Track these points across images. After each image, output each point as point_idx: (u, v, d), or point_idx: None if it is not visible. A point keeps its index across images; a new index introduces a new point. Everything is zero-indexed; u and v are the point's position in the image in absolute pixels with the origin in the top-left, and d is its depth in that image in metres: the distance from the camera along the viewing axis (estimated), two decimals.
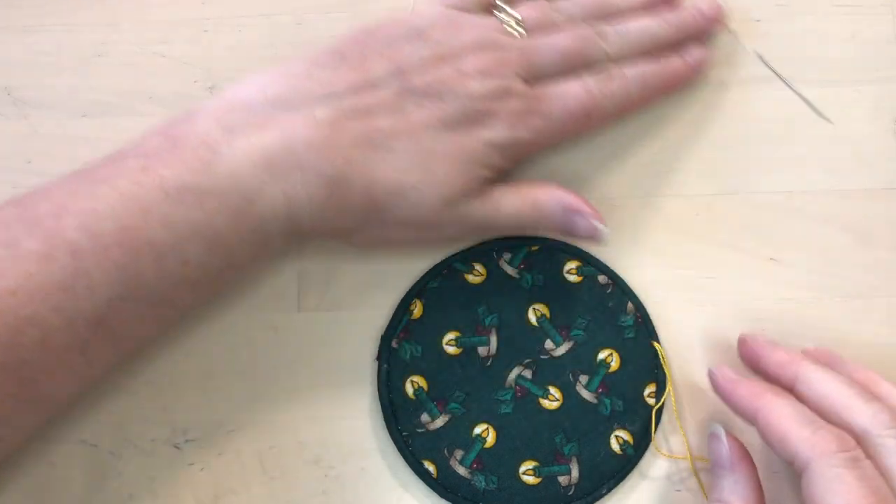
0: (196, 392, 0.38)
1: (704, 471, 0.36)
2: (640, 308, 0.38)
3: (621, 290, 0.38)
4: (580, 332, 0.38)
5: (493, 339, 0.38)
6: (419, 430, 0.37)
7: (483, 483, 0.37)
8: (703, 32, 0.40)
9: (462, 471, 0.37)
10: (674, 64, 0.39)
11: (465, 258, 0.39)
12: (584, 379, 0.37)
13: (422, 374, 0.37)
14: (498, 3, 0.38)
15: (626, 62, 0.38)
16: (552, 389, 0.37)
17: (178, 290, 0.33)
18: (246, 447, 0.38)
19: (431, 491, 0.37)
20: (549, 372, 0.37)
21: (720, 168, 0.40)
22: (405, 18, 0.37)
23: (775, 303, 0.39)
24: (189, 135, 0.33)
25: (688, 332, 0.38)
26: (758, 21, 0.42)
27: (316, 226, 0.34)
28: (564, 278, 0.38)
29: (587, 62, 0.37)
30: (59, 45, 0.43)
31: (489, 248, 0.39)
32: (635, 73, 0.38)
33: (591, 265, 0.38)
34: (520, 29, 0.37)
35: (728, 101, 0.41)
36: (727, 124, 0.41)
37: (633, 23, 0.39)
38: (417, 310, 0.38)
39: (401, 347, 0.38)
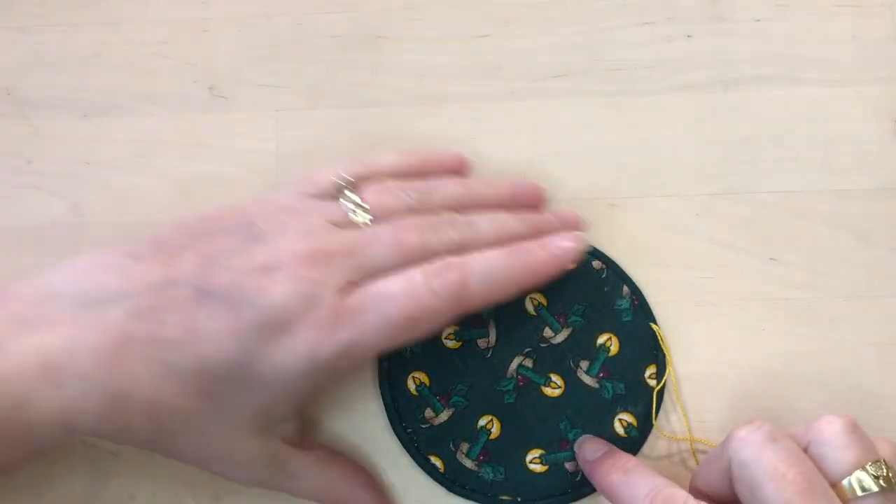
0: None
1: (703, 452, 0.36)
2: (635, 291, 0.38)
3: (616, 274, 0.38)
4: (578, 318, 0.38)
5: (492, 331, 0.38)
6: (423, 426, 0.37)
7: (490, 474, 0.37)
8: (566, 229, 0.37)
9: (469, 463, 0.37)
10: (532, 252, 0.35)
11: None
12: (584, 364, 0.37)
13: (423, 369, 0.37)
14: (344, 188, 0.35)
15: (471, 251, 0.34)
16: (554, 377, 0.37)
17: None
18: None
19: (435, 489, 0.37)
20: (550, 359, 0.37)
21: (720, 168, 0.40)
22: (242, 206, 0.34)
23: (775, 303, 0.39)
24: None
25: (688, 332, 0.39)
26: (758, 21, 0.42)
27: (100, 437, 0.31)
28: None
29: (427, 254, 0.34)
30: (60, 45, 0.43)
31: None
32: (479, 259, 0.34)
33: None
34: (366, 217, 0.34)
35: (728, 101, 0.41)
36: (727, 124, 0.41)
37: (488, 214, 0.36)
38: None
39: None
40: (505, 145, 0.41)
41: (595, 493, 0.36)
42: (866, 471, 0.30)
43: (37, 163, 0.41)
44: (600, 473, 0.34)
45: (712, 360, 0.38)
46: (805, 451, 0.31)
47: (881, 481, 0.29)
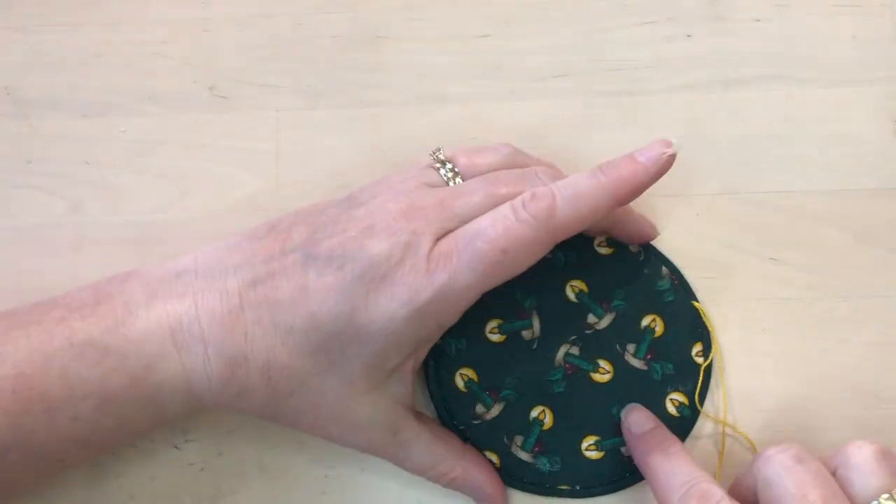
0: None
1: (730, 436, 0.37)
2: (674, 271, 0.38)
3: (654, 256, 0.38)
4: (621, 302, 0.38)
5: (536, 321, 0.38)
6: (476, 422, 0.37)
7: (547, 465, 0.37)
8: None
9: (524, 456, 0.37)
10: (621, 165, 0.34)
11: None
12: (631, 347, 0.37)
13: (470, 365, 0.37)
14: (440, 158, 0.36)
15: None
16: (601, 362, 0.37)
17: (66, 445, 0.32)
18: (246, 447, 0.38)
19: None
20: (596, 345, 0.37)
21: (720, 168, 0.40)
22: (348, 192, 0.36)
23: (775, 303, 0.39)
24: (115, 294, 0.33)
25: None
26: (758, 21, 0.42)
27: (220, 405, 0.33)
28: (596, 252, 0.38)
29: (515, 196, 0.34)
30: (59, 45, 0.43)
31: None
32: (566, 183, 0.34)
33: None
34: (458, 178, 0.36)
35: (728, 100, 0.41)
36: (727, 124, 0.41)
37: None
38: None
39: (445, 343, 0.37)
40: None
41: None
42: (893, 498, 0.29)
43: (36, 163, 0.41)
44: (641, 449, 0.34)
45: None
46: (833, 474, 0.31)
47: None
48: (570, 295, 0.38)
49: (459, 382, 0.37)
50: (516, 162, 0.37)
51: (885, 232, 0.39)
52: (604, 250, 0.38)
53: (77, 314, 0.32)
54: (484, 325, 0.38)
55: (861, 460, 0.30)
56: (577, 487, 0.37)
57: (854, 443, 0.31)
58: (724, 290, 0.39)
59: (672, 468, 0.33)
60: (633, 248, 0.38)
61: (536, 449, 0.37)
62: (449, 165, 0.36)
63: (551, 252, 0.35)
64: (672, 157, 0.34)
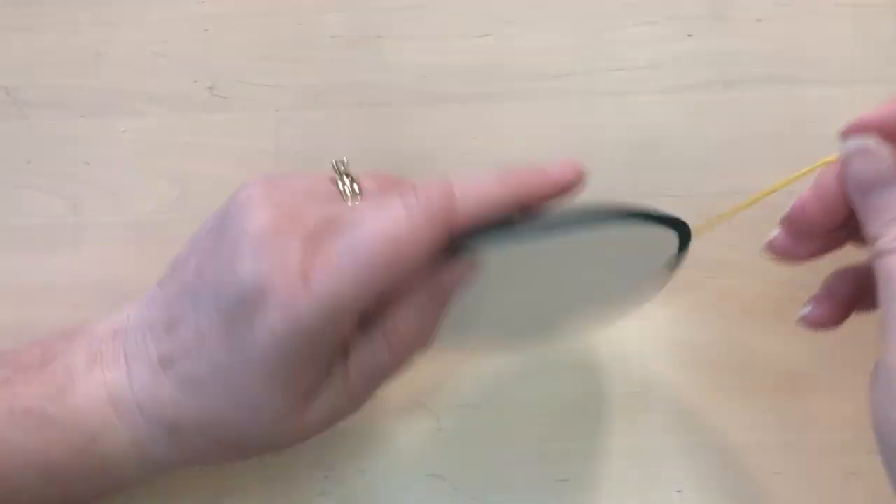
0: None
1: None
2: None
3: None
4: None
5: None
6: None
7: None
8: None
9: None
10: (523, 171, 0.31)
11: None
12: None
13: None
14: (342, 171, 0.32)
15: None
16: None
17: None
18: None
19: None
20: None
21: (721, 168, 0.40)
22: None
23: (776, 303, 0.39)
24: (60, 355, 0.31)
25: (687, 332, 0.38)
26: (758, 21, 0.42)
27: (181, 466, 0.32)
28: None
29: None
30: (59, 45, 0.43)
31: None
32: (467, 176, 0.30)
33: None
34: (356, 192, 0.32)
35: (729, 100, 0.41)
36: (728, 124, 0.41)
37: None
38: None
39: None
40: (505, 145, 0.41)
41: None
42: None
43: (36, 163, 0.41)
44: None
45: (713, 361, 0.38)
46: None
47: None
48: None
49: None
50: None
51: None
52: None
53: (22, 376, 0.30)
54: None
55: None
56: None
57: None
58: (725, 291, 0.39)
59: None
60: None
61: None
62: (348, 180, 0.32)
63: None
64: (580, 176, 0.31)
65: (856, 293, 0.32)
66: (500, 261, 0.30)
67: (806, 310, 0.32)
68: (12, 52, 0.42)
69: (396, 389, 0.35)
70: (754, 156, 0.40)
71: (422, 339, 0.32)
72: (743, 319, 0.38)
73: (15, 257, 0.40)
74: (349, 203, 0.31)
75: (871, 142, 0.30)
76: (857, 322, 0.32)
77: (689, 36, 0.42)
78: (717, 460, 0.37)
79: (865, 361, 0.29)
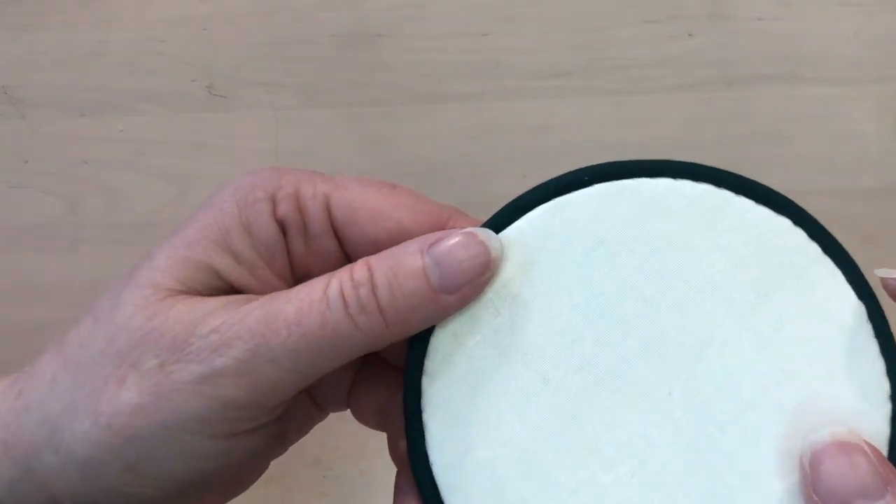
0: None
1: None
2: None
3: None
4: None
5: None
6: None
7: None
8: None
9: None
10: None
11: None
12: None
13: None
14: None
15: None
16: None
17: None
18: None
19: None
20: None
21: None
22: None
23: None
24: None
25: None
26: (759, 20, 0.42)
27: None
28: None
29: None
30: (58, 44, 0.42)
31: None
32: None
33: None
34: None
35: (730, 99, 0.41)
36: (729, 123, 0.41)
37: None
38: None
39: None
40: (505, 145, 0.41)
41: None
42: None
43: (34, 162, 0.41)
44: None
45: None
46: None
47: None
48: None
49: None
50: None
51: (885, 232, 0.39)
52: None
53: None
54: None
55: None
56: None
57: None
58: None
59: None
60: None
61: None
62: None
63: None
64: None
65: None
66: None
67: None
68: (10, 51, 0.42)
69: None
70: (755, 154, 0.40)
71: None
72: None
73: (13, 257, 0.40)
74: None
75: None
76: None
77: (690, 35, 0.42)
78: None
79: None
